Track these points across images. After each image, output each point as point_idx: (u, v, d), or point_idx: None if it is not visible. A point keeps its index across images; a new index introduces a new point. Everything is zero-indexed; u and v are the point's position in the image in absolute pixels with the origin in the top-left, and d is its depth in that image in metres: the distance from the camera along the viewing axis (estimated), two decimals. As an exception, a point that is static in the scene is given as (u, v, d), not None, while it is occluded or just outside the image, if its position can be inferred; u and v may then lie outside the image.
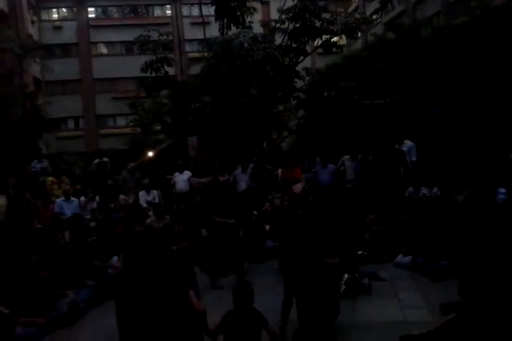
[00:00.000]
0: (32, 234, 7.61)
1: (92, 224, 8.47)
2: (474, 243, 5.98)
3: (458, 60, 11.65)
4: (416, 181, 8.95)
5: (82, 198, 9.91)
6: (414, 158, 9.52)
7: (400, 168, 8.96)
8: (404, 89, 12.16)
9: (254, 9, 15.66)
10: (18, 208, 8.84)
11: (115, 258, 7.18)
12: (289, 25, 15.19)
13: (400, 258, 7.10)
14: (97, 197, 10.04)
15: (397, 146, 9.43)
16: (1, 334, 4.29)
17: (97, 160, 11.92)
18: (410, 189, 8.90)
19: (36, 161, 11.33)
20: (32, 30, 27.45)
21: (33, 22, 29.10)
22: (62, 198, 9.77)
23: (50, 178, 10.73)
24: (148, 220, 8.71)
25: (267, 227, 8.32)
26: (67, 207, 9.66)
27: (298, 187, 9.71)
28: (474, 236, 6.31)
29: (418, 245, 6.92)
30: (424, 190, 8.76)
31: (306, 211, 8.03)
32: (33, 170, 11.22)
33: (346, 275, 5.90)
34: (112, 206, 9.85)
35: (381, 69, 12.94)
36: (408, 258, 6.93)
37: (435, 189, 8.72)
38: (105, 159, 11.93)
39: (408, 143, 9.62)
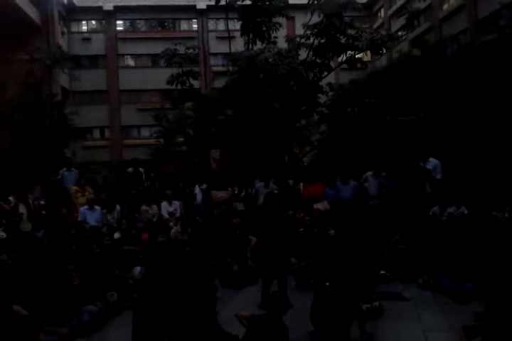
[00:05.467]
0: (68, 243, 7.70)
1: (117, 234, 8.52)
2: (501, 266, 5.87)
3: (485, 78, 11.54)
4: (441, 200, 8.81)
5: (105, 210, 10.00)
6: (439, 176, 9.39)
7: (424, 186, 8.86)
8: (430, 106, 12.07)
9: (280, 25, 15.76)
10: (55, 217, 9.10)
11: (138, 268, 7.20)
12: (314, 40, 15.26)
13: (423, 278, 6.98)
14: (117, 207, 10.12)
15: (421, 164, 9.34)
16: (25, 339, 4.35)
17: (130, 169, 11.99)
18: (435, 208, 8.75)
19: (65, 169, 11.45)
20: (61, 41, 28.10)
21: (63, 33, 29.82)
22: (86, 207, 9.88)
23: (75, 187, 10.86)
24: (172, 231, 8.76)
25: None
26: (90, 215, 9.76)
27: (319, 205, 9.65)
28: (500, 258, 6.20)
29: (442, 266, 6.81)
30: (450, 209, 8.57)
31: (338, 233, 7.98)
32: (59, 177, 11.34)
33: None
34: (136, 216, 9.93)
35: (406, 86, 12.88)
36: (432, 279, 6.82)
37: (462, 208, 8.56)
38: (129, 169, 12.00)
39: (433, 161, 9.50)
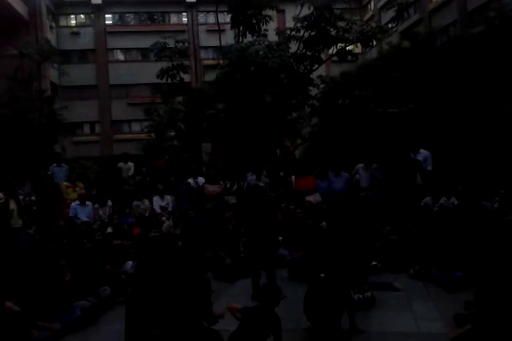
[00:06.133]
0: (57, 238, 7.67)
1: (109, 229, 8.52)
2: (490, 255, 5.93)
3: (474, 70, 11.58)
4: (434, 191, 8.87)
5: (97, 205, 9.98)
6: (429, 168, 9.45)
7: (415, 177, 8.91)
8: (420, 98, 12.10)
9: (270, 17, 15.73)
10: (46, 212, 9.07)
11: (129, 263, 7.19)
12: (304, 33, 15.25)
13: (415, 268, 7.03)
14: (109, 202, 10.10)
15: (412, 155, 9.38)
16: (18, 335, 4.34)
17: (121, 164, 11.97)
18: (427, 199, 8.82)
19: (55, 165, 11.41)
20: (50, 36, 27.81)
21: (51, 28, 29.50)
22: (77, 202, 9.86)
23: (65, 182, 10.83)
24: (164, 226, 8.75)
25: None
26: (81, 211, 9.75)
27: (311, 198, 9.68)
28: (489, 248, 6.26)
29: (433, 256, 6.87)
30: (441, 200, 8.64)
31: (330, 225, 8.02)
32: (49, 173, 11.31)
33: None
34: (127, 211, 9.91)
35: (397, 77, 12.89)
36: (423, 269, 6.87)
37: (452, 198, 8.62)
38: (120, 164, 11.98)
39: (424, 153, 9.55)
